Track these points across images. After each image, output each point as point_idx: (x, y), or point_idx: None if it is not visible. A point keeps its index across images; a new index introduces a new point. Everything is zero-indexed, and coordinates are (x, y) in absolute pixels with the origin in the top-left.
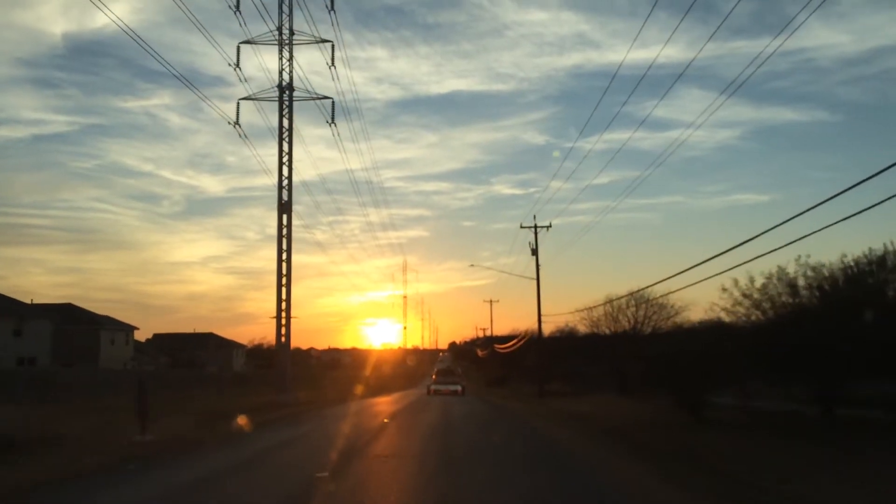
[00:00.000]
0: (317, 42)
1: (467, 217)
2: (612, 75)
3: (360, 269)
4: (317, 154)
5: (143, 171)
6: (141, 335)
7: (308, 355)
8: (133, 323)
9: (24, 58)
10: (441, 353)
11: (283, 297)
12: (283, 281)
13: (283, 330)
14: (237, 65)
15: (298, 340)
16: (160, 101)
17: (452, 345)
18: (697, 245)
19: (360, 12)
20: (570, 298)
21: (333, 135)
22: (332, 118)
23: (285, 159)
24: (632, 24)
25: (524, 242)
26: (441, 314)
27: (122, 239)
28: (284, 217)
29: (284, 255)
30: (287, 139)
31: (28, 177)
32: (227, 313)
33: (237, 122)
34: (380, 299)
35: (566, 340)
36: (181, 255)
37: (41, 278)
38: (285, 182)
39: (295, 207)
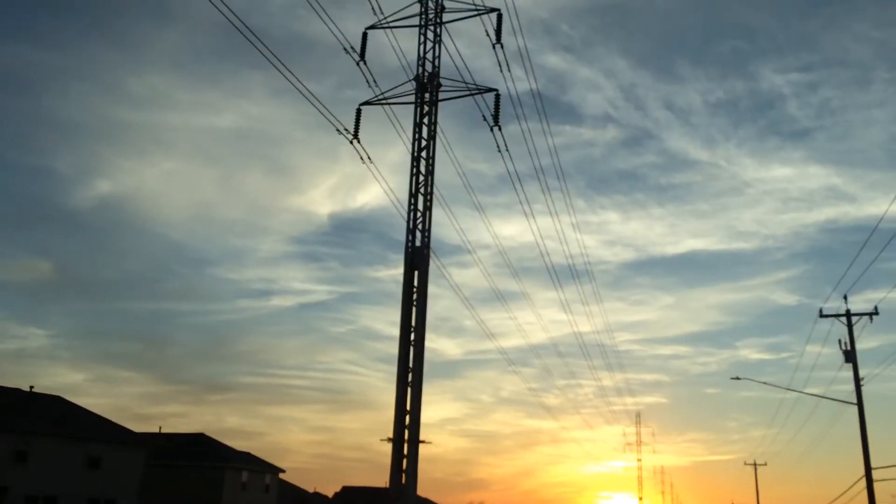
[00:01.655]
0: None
1: (710, 384)
2: (873, 229)
3: (593, 436)
4: (548, 317)
5: (389, 335)
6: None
7: None
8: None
9: (296, 236)
10: None
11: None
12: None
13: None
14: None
15: None
16: None
17: None
18: None
19: (592, 179)
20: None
21: (495, 138)
22: (496, 116)
23: (422, 181)
24: (889, 175)
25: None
26: (684, 490)
27: (368, 399)
28: (416, 273)
29: (414, 322)
30: (426, 147)
31: (293, 342)
32: (461, 477)
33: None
34: (615, 470)
35: None
36: (421, 416)
37: (299, 436)
38: (419, 218)
39: (525, 371)
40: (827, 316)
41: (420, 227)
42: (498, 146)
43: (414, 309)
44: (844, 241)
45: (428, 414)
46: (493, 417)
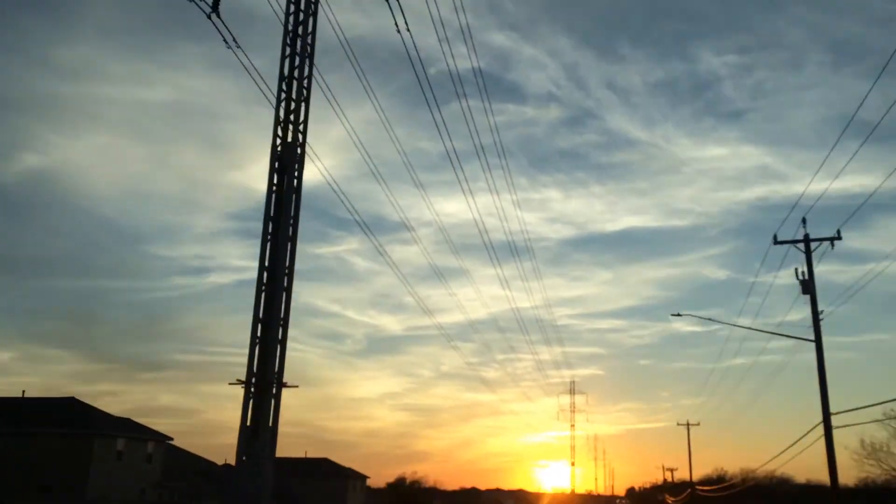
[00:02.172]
0: None
1: (644, 356)
2: (792, 206)
3: (531, 409)
4: (489, 293)
5: (333, 312)
6: (216, 454)
7: (471, 495)
8: None
9: (233, 212)
10: (618, 500)
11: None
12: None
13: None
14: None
15: (469, 478)
16: (349, 247)
17: (630, 490)
18: None
19: (535, 157)
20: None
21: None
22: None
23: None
24: (819, 155)
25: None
26: (617, 457)
27: (309, 376)
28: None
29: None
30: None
31: (231, 318)
32: (401, 451)
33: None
34: (551, 440)
35: None
36: (361, 391)
37: (237, 413)
38: (293, 109)
39: (466, 345)
40: (783, 242)
41: (293, 120)
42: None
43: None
44: (774, 219)
45: (368, 389)
46: (434, 392)
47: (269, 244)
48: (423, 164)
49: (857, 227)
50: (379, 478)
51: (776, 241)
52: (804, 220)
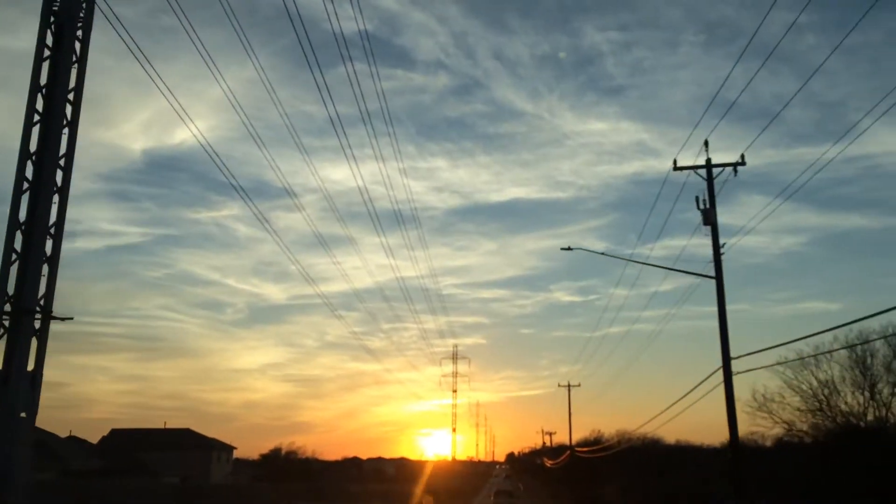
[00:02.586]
0: None
1: (526, 325)
2: (663, 181)
3: (416, 378)
4: (376, 262)
5: (210, 280)
6: (85, 431)
7: (353, 465)
8: None
9: (104, 173)
10: (498, 466)
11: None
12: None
13: None
14: None
15: (352, 448)
16: (230, 213)
17: (510, 456)
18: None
19: (423, 125)
20: (631, 408)
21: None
22: None
23: None
24: (690, 132)
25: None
26: (499, 424)
27: (185, 346)
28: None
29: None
30: None
31: (100, 286)
32: (283, 422)
33: None
34: (435, 408)
35: None
36: (242, 362)
37: (106, 386)
38: None
39: (351, 315)
40: (682, 168)
41: None
42: None
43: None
44: (650, 193)
45: (250, 360)
46: (318, 362)
47: (38, 126)
48: (311, 129)
49: (722, 203)
50: (256, 451)
51: (676, 168)
52: (706, 143)
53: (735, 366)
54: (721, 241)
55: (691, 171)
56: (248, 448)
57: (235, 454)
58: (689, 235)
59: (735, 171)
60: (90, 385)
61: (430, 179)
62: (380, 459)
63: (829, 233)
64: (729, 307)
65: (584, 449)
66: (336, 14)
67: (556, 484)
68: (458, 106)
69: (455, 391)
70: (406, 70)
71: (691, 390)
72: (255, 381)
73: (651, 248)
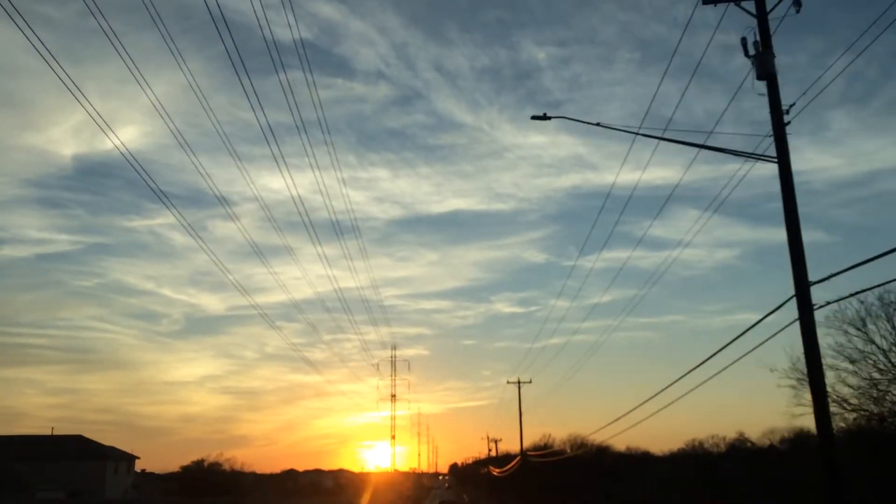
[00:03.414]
0: None
1: (468, 335)
2: (606, 195)
3: (358, 389)
4: (316, 272)
5: (144, 290)
6: None
7: (289, 477)
8: None
9: (32, 178)
10: (441, 477)
11: None
12: None
13: None
14: None
15: (291, 461)
16: (165, 221)
17: (454, 466)
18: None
19: (363, 135)
20: (572, 416)
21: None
22: None
23: None
24: (625, 148)
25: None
26: (442, 435)
27: (118, 358)
28: None
29: None
30: None
31: (28, 296)
32: (220, 435)
33: None
34: (376, 420)
35: None
36: (178, 374)
37: (35, 399)
38: None
39: (291, 326)
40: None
41: None
42: None
43: None
44: (588, 206)
45: (186, 372)
46: (257, 373)
47: None
48: (249, 137)
49: (660, 217)
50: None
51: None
52: None
53: (814, 295)
54: (657, 253)
55: (730, 3)
56: (176, 462)
57: (149, 467)
58: (631, 248)
59: (798, 4)
60: (18, 398)
61: (370, 190)
62: (317, 472)
63: (760, 246)
64: (666, 318)
65: (537, 453)
66: (268, 21)
67: (506, 491)
68: (398, 116)
69: (394, 396)
70: (346, 79)
71: (779, 307)
72: (193, 393)
73: (593, 260)
